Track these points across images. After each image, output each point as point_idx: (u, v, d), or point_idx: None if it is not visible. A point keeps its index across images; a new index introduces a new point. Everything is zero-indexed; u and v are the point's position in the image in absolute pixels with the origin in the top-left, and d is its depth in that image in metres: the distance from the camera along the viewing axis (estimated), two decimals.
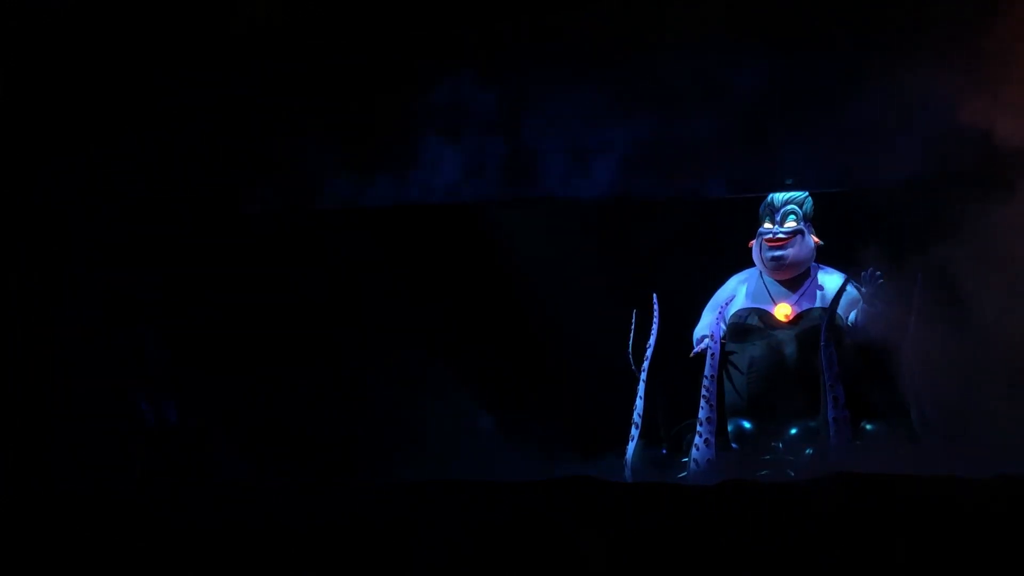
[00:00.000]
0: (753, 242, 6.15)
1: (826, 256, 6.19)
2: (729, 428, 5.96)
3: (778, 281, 6.13)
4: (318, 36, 6.39)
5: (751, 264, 6.22)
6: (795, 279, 6.12)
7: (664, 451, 6.07)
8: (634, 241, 6.64)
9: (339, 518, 4.68)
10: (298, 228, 6.86)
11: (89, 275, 6.43)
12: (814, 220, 6.15)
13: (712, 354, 5.95)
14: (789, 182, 6.22)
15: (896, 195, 6.03)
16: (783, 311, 6.02)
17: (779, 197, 6.15)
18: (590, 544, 4.39)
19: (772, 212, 6.10)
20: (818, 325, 5.91)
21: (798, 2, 6.00)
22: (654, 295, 6.14)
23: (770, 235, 6.07)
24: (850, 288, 6.00)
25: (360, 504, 4.85)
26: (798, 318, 6.00)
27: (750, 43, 5.98)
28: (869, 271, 5.93)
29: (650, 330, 6.12)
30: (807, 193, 6.16)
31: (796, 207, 6.09)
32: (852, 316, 5.99)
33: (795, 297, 6.10)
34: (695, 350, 6.22)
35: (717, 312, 6.18)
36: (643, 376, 6.04)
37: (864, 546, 4.24)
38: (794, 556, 4.28)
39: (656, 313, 6.13)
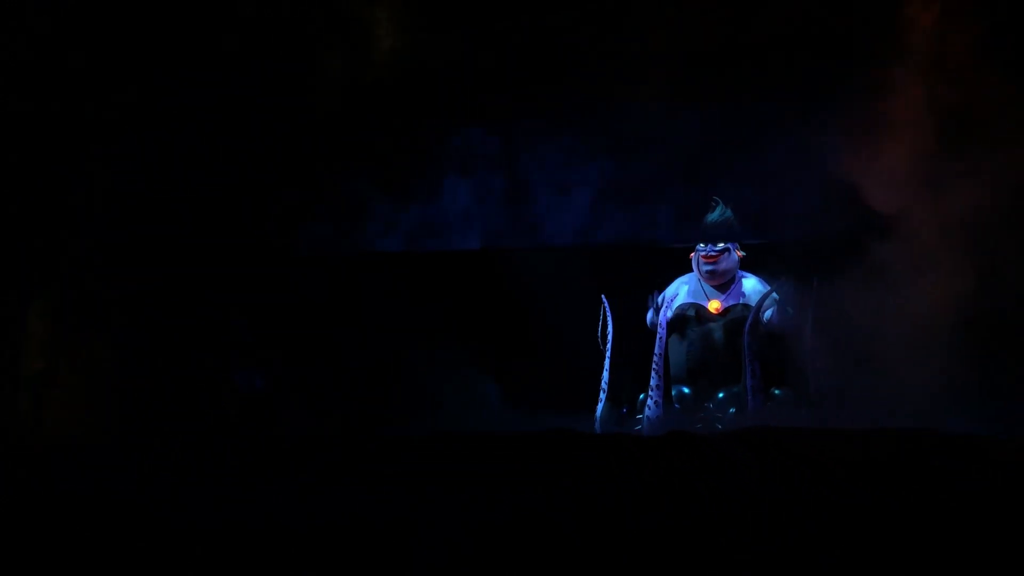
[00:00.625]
0: (692, 255, 6.55)
1: (747, 264, 6.62)
2: (673, 393, 6.37)
3: (711, 284, 6.54)
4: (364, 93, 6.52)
5: (691, 270, 6.61)
6: (724, 283, 6.54)
7: (624, 410, 6.44)
8: (602, 255, 6.97)
9: (348, 463, 4.82)
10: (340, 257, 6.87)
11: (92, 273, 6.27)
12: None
13: (660, 337, 6.38)
14: (715, 200, 6.54)
15: (801, 228, 6.54)
16: (714, 306, 6.46)
17: (711, 222, 6.54)
18: (568, 481, 4.51)
19: (708, 234, 6.51)
20: (741, 317, 6.35)
21: (725, 75, 6.53)
22: (603, 296, 6.47)
23: (705, 252, 6.48)
24: (765, 290, 6.43)
25: (377, 450, 5.03)
26: (726, 311, 6.44)
27: (690, 105, 6.54)
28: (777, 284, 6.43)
29: (607, 321, 6.47)
30: (732, 216, 6.53)
31: (726, 230, 6.50)
32: (768, 314, 6.36)
33: (724, 296, 6.51)
34: (657, 319, 6.48)
35: (665, 306, 6.53)
36: (607, 354, 6.44)
37: (771, 479, 4.51)
38: (720, 487, 4.43)
39: (607, 309, 6.47)
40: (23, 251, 6.07)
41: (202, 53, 6.29)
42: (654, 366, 6.31)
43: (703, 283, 6.62)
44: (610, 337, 6.44)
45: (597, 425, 6.30)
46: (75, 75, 6.14)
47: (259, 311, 6.69)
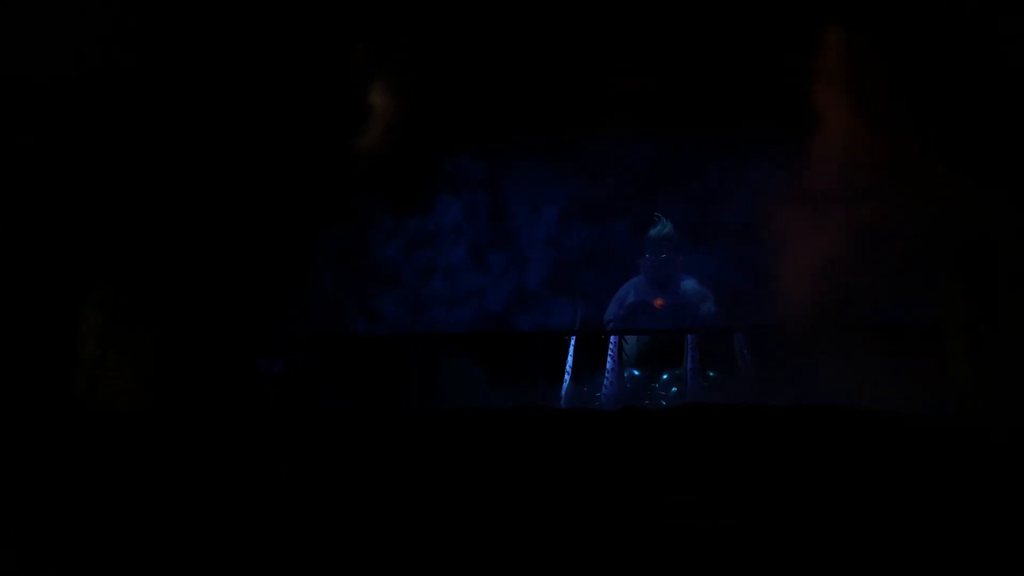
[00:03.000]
0: (641, 261, 6.95)
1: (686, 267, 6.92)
2: (625, 374, 6.66)
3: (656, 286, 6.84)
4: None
5: (640, 274, 6.99)
6: (667, 284, 6.94)
7: (585, 389, 6.70)
8: (570, 259, 7.08)
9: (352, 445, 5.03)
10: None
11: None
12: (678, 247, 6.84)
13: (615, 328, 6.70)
14: (657, 216, 6.88)
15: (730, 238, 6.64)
16: (659, 303, 6.82)
17: (655, 235, 6.91)
18: (541, 442, 5.02)
19: (652, 245, 6.94)
20: (682, 312, 6.71)
21: (670, 114, 6.81)
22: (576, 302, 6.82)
23: (650, 261, 6.90)
24: (703, 291, 6.80)
25: (376, 430, 5.17)
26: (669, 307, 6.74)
27: (642, 137, 6.89)
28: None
29: (576, 316, 6.83)
30: (672, 229, 6.85)
31: (667, 242, 6.88)
32: (703, 308, 6.74)
33: (667, 295, 6.90)
34: (608, 325, 6.86)
35: (618, 303, 6.91)
36: (572, 342, 6.75)
37: (705, 445, 4.97)
38: (664, 451, 4.97)
39: (578, 310, 6.81)
40: (80, 251, 6.09)
41: (262, 115, 6.50)
42: (610, 352, 6.67)
43: (650, 284, 7.02)
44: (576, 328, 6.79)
45: (563, 402, 6.62)
46: (140, 85, 6.17)
47: (284, 306, 6.81)
